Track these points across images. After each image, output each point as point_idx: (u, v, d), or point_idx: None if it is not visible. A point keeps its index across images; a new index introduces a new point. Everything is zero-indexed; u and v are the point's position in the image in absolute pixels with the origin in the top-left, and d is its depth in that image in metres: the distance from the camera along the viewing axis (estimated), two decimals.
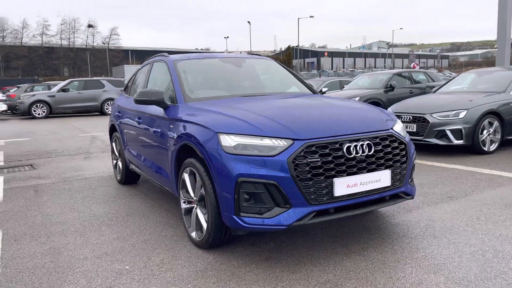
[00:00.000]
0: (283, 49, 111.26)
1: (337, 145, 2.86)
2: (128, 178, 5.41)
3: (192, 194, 3.31)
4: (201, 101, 3.74)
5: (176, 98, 3.82)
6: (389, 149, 3.08)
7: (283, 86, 4.52)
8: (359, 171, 2.92)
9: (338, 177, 2.83)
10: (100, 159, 7.69)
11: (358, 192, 2.92)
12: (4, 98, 20.31)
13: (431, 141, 6.67)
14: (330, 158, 2.82)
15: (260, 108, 3.37)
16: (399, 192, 3.18)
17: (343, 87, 12.35)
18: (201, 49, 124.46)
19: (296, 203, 2.75)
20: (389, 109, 7.64)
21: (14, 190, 5.47)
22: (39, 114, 18.56)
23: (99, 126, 14.14)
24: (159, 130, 3.88)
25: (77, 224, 3.96)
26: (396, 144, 3.14)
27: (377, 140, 3.03)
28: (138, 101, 3.84)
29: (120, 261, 3.07)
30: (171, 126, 3.59)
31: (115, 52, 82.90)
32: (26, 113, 18.70)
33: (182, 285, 2.67)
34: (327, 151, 2.82)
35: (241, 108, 3.31)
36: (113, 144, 5.78)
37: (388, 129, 3.16)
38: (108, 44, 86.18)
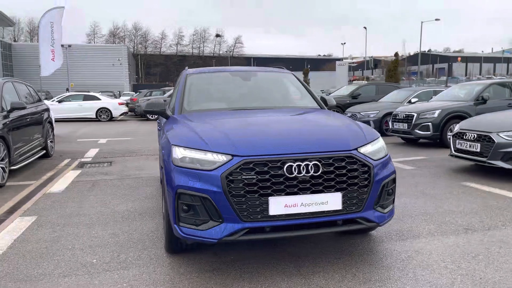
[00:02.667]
0: (411, 54, 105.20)
1: (278, 164, 2.83)
2: None
3: None
4: (192, 113, 3.97)
5: (175, 109, 4.12)
6: (344, 171, 2.92)
7: (288, 101, 4.48)
8: (301, 191, 2.84)
9: (274, 195, 2.80)
10: None
11: (299, 213, 2.84)
12: (126, 101, 23.15)
13: (496, 164, 5.85)
14: (267, 176, 2.80)
15: (228, 123, 3.48)
16: (355, 217, 2.98)
17: (431, 97, 11.36)
18: (323, 55, 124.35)
19: (228, 218, 2.81)
20: (457, 126, 6.89)
21: (78, 183, 6.37)
22: (152, 116, 20.78)
23: None
24: (160, 138, 4.22)
25: (94, 218, 4.50)
26: (355, 166, 2.96)
27: (330, 161, 2.90)
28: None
29: (94, 254, 3.46)
30: (163, 135, 3.90)
31: (238, 59, 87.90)
32: (143, 115, 21.08)
33: (119, 283, 2.93)
34: (265, 169, 2.81)
35: (210, 122, 3.46)
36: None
37: (349, 150, 2.99)
38: (232, 52, 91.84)
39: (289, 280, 2.92)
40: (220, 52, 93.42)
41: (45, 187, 6.07)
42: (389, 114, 11.09)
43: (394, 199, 3.31)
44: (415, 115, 9.48)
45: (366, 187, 2.98)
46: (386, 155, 3.25)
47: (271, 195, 2.80)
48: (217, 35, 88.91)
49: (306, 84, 4.68)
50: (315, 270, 3.08)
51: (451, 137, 6.78)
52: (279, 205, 2.80)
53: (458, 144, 6.53)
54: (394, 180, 3.27)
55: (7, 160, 6.37)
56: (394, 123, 10.14)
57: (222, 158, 2.86)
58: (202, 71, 4.75)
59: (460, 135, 6.53)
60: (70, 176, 6.92)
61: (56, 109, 19.34)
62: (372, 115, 12.01)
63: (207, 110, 4.05)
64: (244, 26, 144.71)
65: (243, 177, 2.79)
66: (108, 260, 3.33)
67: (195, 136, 3.13)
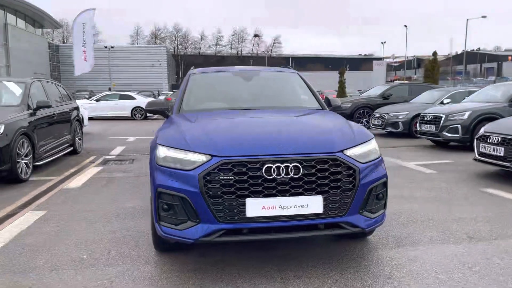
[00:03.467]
0: (458, 53, 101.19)
1: (258, 165, 2.78)
2: None
3: None
4: (188, 113, 3.98)
5: (174, 109, 4.15)
6: (326, 174, 2.83)
7: (287, 101, 4.38)
8: (280, 193, 2.77)
9: (251, 197, 2.75)
10: None
11: (278, 216, 2.78)
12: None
13: None
14: (245, 177, 2.76)
15: (217, 123, 3.50)
16: (339, 221, 2.88)
17: (464, 98, 10.82)
18: (365, 54, 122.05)
19: (204, 219, 2.79)
20: (482, 128, 6.53)
21: (96, 179, 6.56)
22: None
23: None
24: None
25: (98, 214, 4.61)
26: (339, 169, 2.86)
27: (312, 163, 2.82)
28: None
29: (86, 250, 3.54)
30: None
31: (276, 59, 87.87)
32: None
33: (101, 279, 2.98)
34: (244, 170, 2.77)
35: (200, 122, 3.47)
36: None
37: (333, 152, 2.90)
38: (270, 52, 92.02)
39: (267, 283, 2.86)
40: (258, 52, 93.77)
41: (63, 183, 6.30)
42: (419, 115, 10.68)
43: (385, 204, 3.17)
44: (443, 116, 9.08)
45: (350, 190, 2.88)
46: (376, 158, 3.13)
47: (249, 196, 2.76)
48: (256, 35, 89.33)
49: (310, 84, 4.58)
50: (298, 274, 3.00)
51: (475, 140, 6.44)
52: (257, 207, 2.76)
53: (482, 147, 6.19)
54: (384, 184, 3.13)
55: (31, 156, 6.66)
56: (422, 124, 9.77)
57: (201, 158, 2.85)
58: (205, 71, 4.77)
59: (484, 138, 6.19)
60: (90, 172, 7.14)
61: (93, 107, 20.13)
62: (401, 116, 11.62)
63: (203, 110, 4.05)
64: (284, 26, 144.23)
65: (221, 177, 2.76)
66: (98, 256, 3.40)
67: (180, 136, 3.13)
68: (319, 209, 2.81)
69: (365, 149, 3.08)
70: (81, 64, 12.62)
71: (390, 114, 11.88)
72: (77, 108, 9.68)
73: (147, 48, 56.46)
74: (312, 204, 2.80)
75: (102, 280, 2.96)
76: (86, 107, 20.83)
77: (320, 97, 4.44)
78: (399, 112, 11.78)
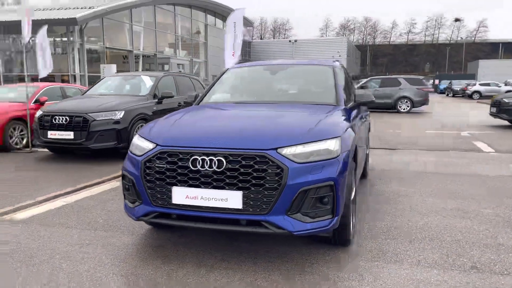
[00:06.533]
0: None
1: (187, 156, 2.94)
2: None
3: None
4: (202, 105, 4.27)
5: (196, 101, 4.50)
6: (249, 170, 2.78)
7: (300, 96, 4.20)
8: (203, 185, 2.88)
9: (177, 186, 2.94)
10: None
11: (200, 206, 2.90)
12: None
13: None
14: (174, 167, 2.96)
15: (197, 115, 3.76)
16: (259, 220, 2.80)
17: None
18: None
19: (144, 201, 3.11)
20: None
21: None
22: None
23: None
24: None
25: None
26: (264, 167, 2.78)
27: (238, 159, 2.83)
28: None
29: (107, 216, 4.23)
30: None
31: (478, 46, 77.16)
32: None
33: (84, 240, 3.60)
34: (175, 159, 2.97)
35: (185, 114, 3.74)
36: None
37: (262, 149, 2.83)
38: (474, 37, 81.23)
39: (195, 269, 3.00)
40: (458, 39, 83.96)
41: None
42: None
43: (333, 209, 2.87)
44: None
45: (275, 190, 2.76)
46: (328, 159, 2.88)
47: (175, 184, 2.95)
48: (456, 20, 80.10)
49: (338, 79, 4.24)
50: (229, 266, 3.03)
51: None
52: (181, 195, 2.93)
53: None
54: (331, 188, 2.84)
55: None
56: None
57: (149, 146, 3.15)
58: (243, 65, 4.94)
59: None
60: None
61: None
62: None
63: (215, 103, 4.30)
64: (493, 7, 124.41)
65: (156, 165, 3.03)
66: (109, 223, 4.05)
67: (152, 126, 3.48)
68: (239, 205, 2.80)
69: (312, 148, 2.88)
70: (230, 60, 13.87)
71: None
72: None
73: (328, 40, 57.60)
74: (231, 199, 2.81)
75: (84, 241, 3.58)
76: None
77: (342, 92, 4.11)
78: None
